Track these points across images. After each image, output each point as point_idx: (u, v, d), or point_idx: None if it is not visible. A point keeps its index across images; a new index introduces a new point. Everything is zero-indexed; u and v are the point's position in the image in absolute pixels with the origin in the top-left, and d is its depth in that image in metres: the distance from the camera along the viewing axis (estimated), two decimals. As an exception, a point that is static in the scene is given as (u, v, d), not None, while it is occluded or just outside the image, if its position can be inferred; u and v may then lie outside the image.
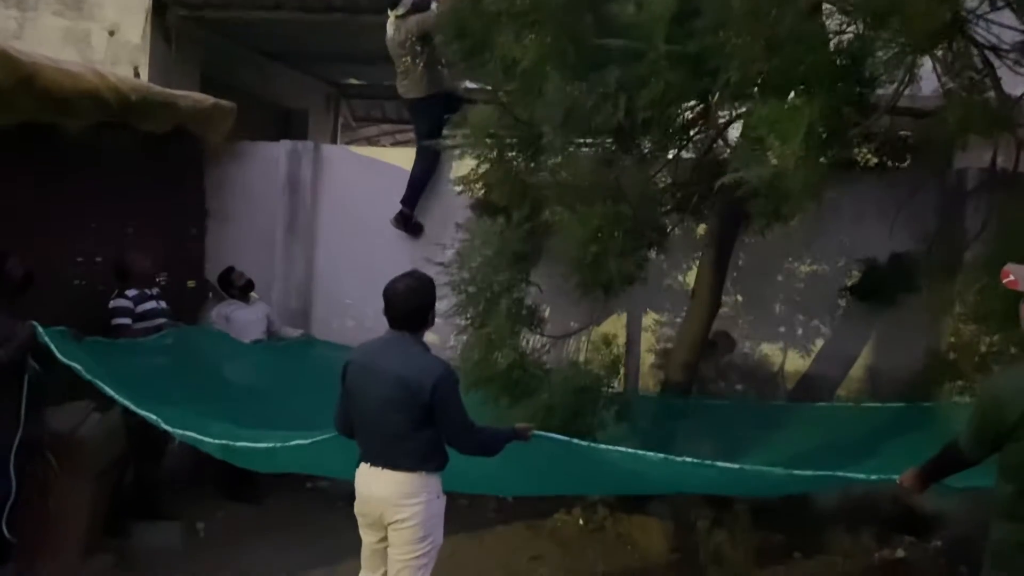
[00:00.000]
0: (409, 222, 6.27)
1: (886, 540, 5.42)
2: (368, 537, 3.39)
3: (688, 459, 3.62)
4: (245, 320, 5.80)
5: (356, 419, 3.32)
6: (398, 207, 6.26)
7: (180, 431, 3.93)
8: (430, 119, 6.16)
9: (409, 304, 3.25)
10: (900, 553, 5.34)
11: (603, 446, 3.76)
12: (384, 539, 3.33)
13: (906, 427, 4.76)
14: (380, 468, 3.24)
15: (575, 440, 3.69)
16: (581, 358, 5.92)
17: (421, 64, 6.13)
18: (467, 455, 3.31)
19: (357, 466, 3.34)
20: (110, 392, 3.99)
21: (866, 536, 5.41)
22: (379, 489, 3.25)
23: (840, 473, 3.80)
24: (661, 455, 3.66)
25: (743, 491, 4.66)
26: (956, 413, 4.61)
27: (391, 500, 3.23)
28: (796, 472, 3.75)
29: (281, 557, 4.86)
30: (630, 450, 3.73)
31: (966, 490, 3.65)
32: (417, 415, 3.17)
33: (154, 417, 3.95)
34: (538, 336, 5.14)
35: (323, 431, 3.56)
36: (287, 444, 3.76)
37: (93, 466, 4.55)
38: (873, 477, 3.59)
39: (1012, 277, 2.75)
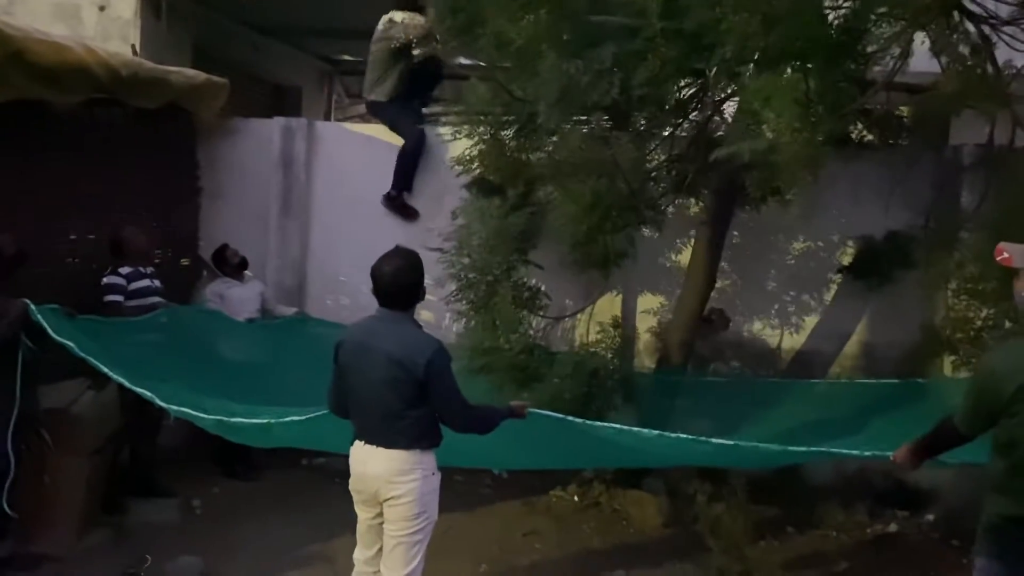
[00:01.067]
0: (399, 204, 6.25)
1: (879, 515, 5.48)
2: (363, 514, 3.40)
3: (682, 435, 3.63)
4: (239, 298, 5.78)
5: (350, 398, 3.31)
6: (390, 181, 6.25)
7: (175, 407, 3.93)
8: (391, 117, 6.32)
9: (398, 282, 3.23)
10: (893, 527, 5.39)
11: (598, 423, 3.77)
12: (379, 515, 3.34)
13: (899, 403, 4.78)
14: (375, 446, 3.24)
15: (569, 418, 3.70)
16: (577, 339, 5.95)
17: (398, 70, 6.25)
18: (461, 433, 3.31)
19: (351, 444, 3.34)
20: (104, 369, 3.99)
21: (859, 511, 5.46)
22: (374, 467, 3.25)
23: (833, 449, 3.84)
24: (656, 432, 3.67)
25: (737, 464, 4.69)
26: (949, 388, 4.65)
27: (386, 477, 3.23)
28: (790, 448, 3.77)
29: (277, 533, 4.88)
30: (625, 427, 3.74)
31: (960, 465, 3.70)
32: (411, 393, 3.16)
33: (148, 394, 3.95)
34: (539, 318, 5.15)
35: (317, 407, 3.56)
36: (282, 420, 3.76)
37: (89, 443, 4.56)
38: (867, 453, 3.61)
39: (1006, 254, 2.76)
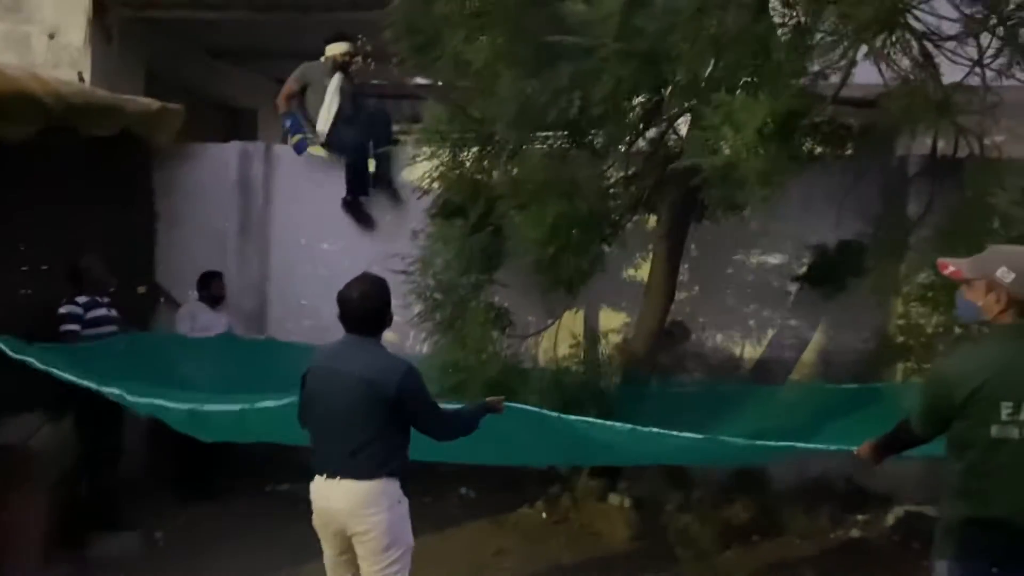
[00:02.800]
0: (356, 208, 6.25)
1: (841, 520, 5.57)
2: (330, 550, 3.34)
3: (655, 429, 3.72)
4: (208, 322, 5.81)
5: (314, 427, 3.26)
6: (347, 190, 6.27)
7: (146, 400, 3.88)
8: (336, 140, 6.31)
9: (366, 308, 3.21)
10: (855, 532, 5.49)
11: (573, 417, 3.84)
12: (347, 551, 3.28)
13: (857, 406, 4.89)
14: (337, 479, 3.18)
15: (544, 411, 3.77)
16: (542, 355, 5.99)
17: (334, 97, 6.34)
18: (445, 441, 3.31)
19: (312, 478, 3.28)
20: (68, 376, 3.94)
21: (822, 516, 5.55)
22: (336, 501, 3.18)
23: (799, 444, 3.92)
24: (629, 426, 3.77)
25: (705, 461, 4.78)
26: (904, 393, 4.78)
27: (351, 511, 3.17)
28: (758, 443, 3.85)
29: (243, 561, 4.82)
30: (599, 421, 3.80)
31: (923, 460, 3.79)
32: (379, 416, 3.13)
33: (117, 391, 3.91)
34: (506, 336, 5.18)
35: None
36: (255, 406, 3.73)
37: (48, 477, 4.47)
38: (832, 447, 3.70)
39: (952, 268, 2.80)
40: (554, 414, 3.79)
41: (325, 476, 3.21)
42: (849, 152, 5.96)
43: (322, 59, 6.41)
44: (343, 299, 3.22)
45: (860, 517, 5.60)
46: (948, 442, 2.73)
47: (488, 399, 3.59)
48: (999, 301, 2.65)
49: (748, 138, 3.29)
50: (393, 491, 3.21)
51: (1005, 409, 2.55)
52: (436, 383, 4.44)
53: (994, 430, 2.57)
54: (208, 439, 4.20)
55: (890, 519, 5.54)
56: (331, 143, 6.31)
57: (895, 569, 4.94)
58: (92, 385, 3.94)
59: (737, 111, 3.34)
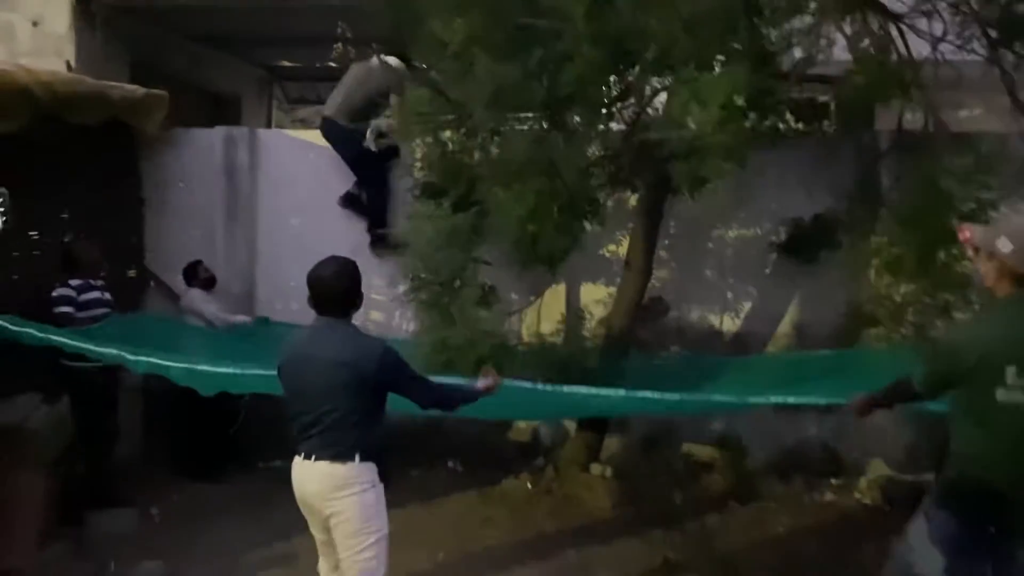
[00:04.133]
0: (381, 240, 6.28)
1: (816, 486, 5.76)
2: (315, 530, 3.41)
3: (648, 394, 3.93)
4: (214, 310, 5.99)
5: (292, 412, 3.29)
6: (337, 188, 6.35)
7: (145, 359, 4.01)
8: (345, 143, 6.24)
9: (336, 290, 3.22)
10: (828, 496, 5.68)
11: (571, 388, 4.02)
12: (327, 532, 3.32)
13: (831, 370, 5.05)
14: (312, 460, 3.21)
15: (539, 386, 3.95)
16: (525, 331, 6.13)
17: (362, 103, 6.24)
18: (426, 409, 3.38)
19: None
20: (66, 341, 4.07)
21: (797, 483, 5.74)
22: (311, 483, 3.23)
23: (791, 399, 4.02)
24: (623, 391, 3.98)
25: (690, 412, 5.09)
26: (875, 356, 4.95)
27: (323, 494, 3.21)
28: (750, 399, 4.02)
29: (237, 535, 4.97)
30: (594, 389, 4.00)
31: (897, 426, 3.95)
32: (356, 398, 3.15)
33: (115, 352, 4.03)
34: (491, 314, 5.29)
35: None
36: (247, 372, 3.91)
37: (43, 457, 4.59)
38: (823, 401, 3.85)
39: (968, 233, 2.88)
40: (550, 388, 3.95)
41: (302, 456, 3.25)
42: (825, 128, 6.11)
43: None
44: (312, 280, 3.23)
45: (834, 482, 5.79)
46: (955, 406, 2.84)
47: (481, 383, 3.62)
48: (997, 271, 2.77)
49: (713, 114, 3.42)
50: (367, 475, 3.22)
51: (1010, 374, 2.66)
52: (425, 361, 4.58)
53: (1000, 394, 2.67)
54: (208, 392, 4.27)
55: (863, 484, 5.73)
56: (328, 130, 6.34)
57: (866, 530, 5.13)
58: (91, 347, 4.07)
59: (702, 87, 3.47)
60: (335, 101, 6.33)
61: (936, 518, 2.87)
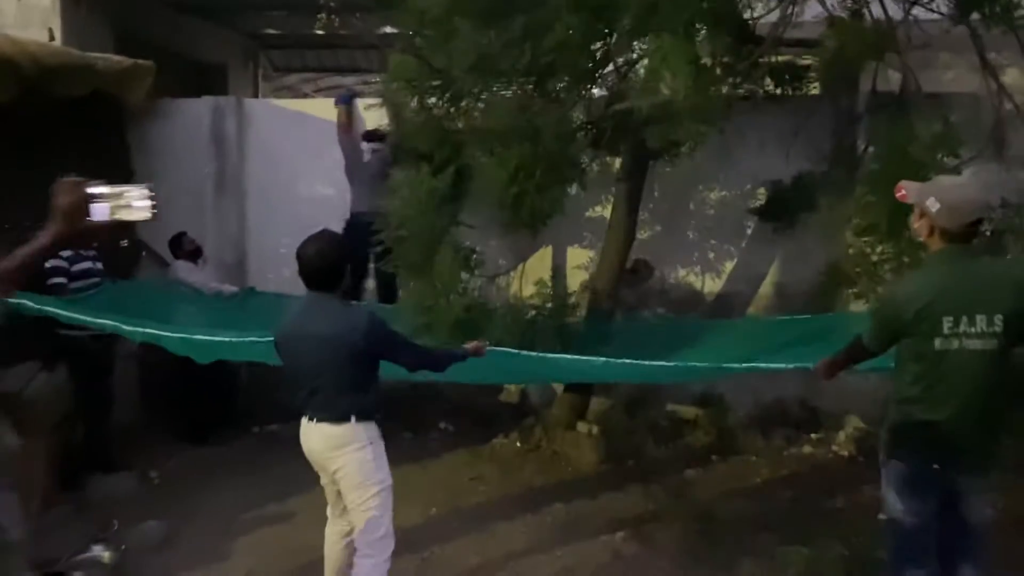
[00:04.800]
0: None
1: (795, 439, 5.95)
2: (323, 479, 3.62)
3: (627, 360, 4.07)
4: (202, 280, 6.08)
5: (291, 382, 3.48)
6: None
7: (141, 330, 4.13)
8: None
9: (322, 264, 3.33)
10: (807, 449, 5.87)
11: (550, 355, 4.18)
12: (333, 482, 3.54)
13: (809, 334, 5.20)
14: (315, 422, 3.42)
15: (523, 352, 4.10)
16: (511, 295, 6.25)
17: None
18: (413, 371, 3.55)
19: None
20: (64, 312, 4.18)
21: (777, 437, 5.92)
22: (313, 442, 3.45)
23: (762, 364, 4.25)
24: (603, 359, 4.13)
25: (671, 379, 5.28)
26: (853, 320, 5.10)
27: (324, 452, 3.43)
28: (724, 365, 4.19)
29: (234, 496, 5.12)
30: (575, 356, 4.13)
31: (870, 378, 4.13)
32: (348, 367, 3.32)
33: (112, 323, 4.14)
34: (475, 277, 5.41)
35: None
36: (243, 339, 4.04)
37: (44, 424, 4.71)
38: (790, 366, 4.03)
39: (904, 191, 3.08)
40: (534, 354, 4.09)
41: (306, 419, 3.47)
42: (806, 91, 6.19)
43: None
44: (300, 256, 3.35)
45: (812, 436, 5.97)
46: (898, 356, 3.05)
47: (469, 345, 3.81)
48: (927, 227, 2.97)
49: (683, 78, 3.52)
50: (365, 433, 3.42)
51: (947, 323, 2.87)
52: (406, 325, 4.70)
53: (937, 343, 2.88)
54: (203, 360, 4.42)
55: (840, 436, 5.92)
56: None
57: (843, 480, 5.33)
58: (87, 317, 4.18)
59: (671, 53, 3.57)
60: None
61: (887, 465, 3.09)
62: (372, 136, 6.21)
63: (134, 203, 2.02)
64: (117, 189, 2.01)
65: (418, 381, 4.54)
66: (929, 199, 2.94)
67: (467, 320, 5.00)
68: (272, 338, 3.58)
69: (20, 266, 2.04)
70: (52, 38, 6.29)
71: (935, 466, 2.96)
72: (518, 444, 5.88)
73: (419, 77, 5.26)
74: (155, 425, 6.05)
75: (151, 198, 2.02)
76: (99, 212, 2.01)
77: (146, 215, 2.03)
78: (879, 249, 5.28)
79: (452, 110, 5.39)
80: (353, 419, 3.39)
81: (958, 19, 4.30)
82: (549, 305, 5.47)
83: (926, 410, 2.95)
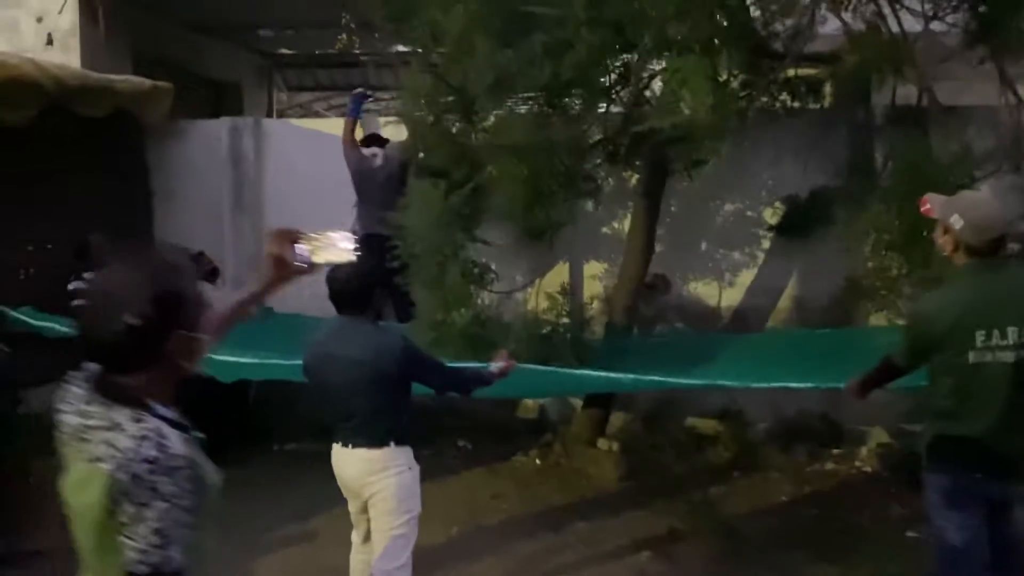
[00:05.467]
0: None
1: (817, 455, 5.90)
2: (351, 505, 3.56)
3: (655, 377, 4.13)
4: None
5: (323, 405, 3.46)
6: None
7: None
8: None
9: (352, 288, 3.33)
10: (829, 466, 5.82)
11: (579, 371, 4.22)
12: (365, 511, 3.48)
13: (831, 349, 5.18)
14: (350, 448, 3.37)
15: (552, 368, 4.11)
16: (529, 309, 6.25)
17: None
18: (441, 394, 3.57)
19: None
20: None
21: (798, 453, 5.88)
22: (349, 468, 3.39)
23: (792, 384, 4.19)
24: (631, 376, 4.16)
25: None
26: (876, 334, 5.08)
27: (361, 478, 3.37)
28: (752, 384, 4.16)
29: (256, 515, 5.07)
30: (603, 373, 4.13)
31: (894, 395, 4.10)
32: (382, 391, 3.30)
33: None
34: (489, 292, 5.41)
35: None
36: (268, 361, 4.06)
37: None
38: (821, 386, 4.01)
39: (928, 205, 3.09)
40: (563, 370, 4.10)
41: (340, 444, 3.42)
42: (821, 105, 6.19)
43: None
44: (330, 280, 3.34)
45: (835, 451, 5.93)
46: (931, 372, 3.04)
47: (494, 365, 3.71)
48: (951, 243, 2.97)
49: (703, 98, 3.54)
50: (403, 458, 3.38)
51: (979, 337, 2.87)
52: (418, 340, 4.69)
53: (971, 356, 2.88)
54: (227, 379, 4.44)
55: (863, 452, 5.88)
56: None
57: (869, 496, 5.28)
58: None
59: (691, 72, 3.59)
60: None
61: (929, 480, 3.07)
62: (372, 141, 6.22)
63: (337, 244, 2.04)
64: (320, 233, 2.03)
65: (435, 397, 4.55)
66: (953, 216, 2.94)
67: (477, 335, 5.01)
68: (298, 362, 3.58)
69: (230, 316, 2.09)
70: (50, 41, 6.33)
71: (977, 475, 2.96)
72: (537, 461, 5.85)
73: (435, 94, 5.30)
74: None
75: (353, 239, 2.04)
76: (303, 256, 2.02)
77: (349, 257, 2.05)
78: (898, 263, 5.29)
79: (468, 126, 5.42)
80: (392, 443, 3.34)
81: (978, 39, 4.29)
82: (565, 320, 5.48)
83: (963, 423, 2.95)
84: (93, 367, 1.64)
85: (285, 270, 2.03)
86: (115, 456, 1.51)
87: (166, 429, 1.58)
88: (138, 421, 1.55)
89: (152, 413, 1.59)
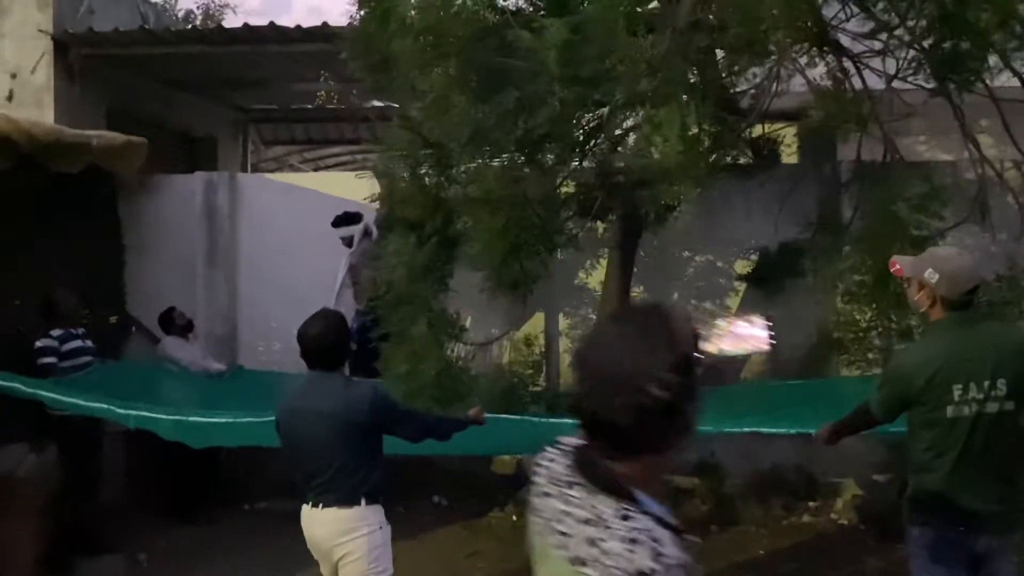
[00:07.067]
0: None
1: (793, 508, 5.89)
2: (322, 568, 3.49)
3: None
4: (191, 355, 5.99)
5: (295, 462, 3.41)
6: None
7: (134, 413, 4.06)
8: None
9: (323, 345, 3.34)
10: (806, 518, 5.81)
11: (552, 419, 4.14)
12: (335, 572, 3.40)
13: (804, 398, 5.21)
14: (320, 508, 3.32)
15: (525, 417, 4.09)
16: (505, 361, 6.24)
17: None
18: (417, 442, 3.48)
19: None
20: (55, 396, 4.10)
21: (775, 506, 5.87)
22: (319, 528, 3.34)
23: (764, 429, 4.22)
24: None
25: None
26: (849, 383, 5.12)
27: (331, 539, 3.31)
28: (725, 429, 4.15)
29: (227, 577, 4.99)
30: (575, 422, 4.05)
31: (868, 447, 4.08)
32: (353, 445, 3.27)
33: (104, 407, 4.07)
34: (462, 344, 5.39)
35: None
36: (239, 420, 3.95)
37: (32, 504, 4.61)
38: (792, 431, 4.01)
39: (898, 266, 3.15)
40: (535, 418, 4.05)
41: (310, 504, 3.36)
42: (788, 160, 6.33)
43: None
44: (302, 337, 3.35)
45: (811, 504, 5.92)
46: (910, 425, 3.07)
47: (470, 412, 3.76)
48: (928, 298, 3.02)
49: (672, 143, 3.63)
50: (374, 517, 3.34)
51: (956, 391, 2.91)
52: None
53: (950, 410, 2.91)
54: (197, 446, 4.36)
55: (839, 504, 5.88)
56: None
57: (844, 549, 5.27)
58: (79, 402, 4.11)
59: (662, 119, 3.68)
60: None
61: (912, 533, 3.07)
62: (343, 220, 6.23)
63: (742, 332, 1.95)
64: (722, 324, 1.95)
65: (409, 453, 4.48)
66: (927, 270, 3.00)
67: (444, 386, 4.96)
68: (268, 418, 3.54)
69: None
70: (10, 97, 6.31)
71: (960, 528, 2.96)
72: (515, 517, 5.78)
73: (412, 148, 5.35)
74: (143, 503, 5.91)
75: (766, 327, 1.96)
76: (709, 346, 1.82)
77: (763, 346, 1.96)
78: (867, 315, 5.37)
79: (443, 179, 5.46)
80: (363, 501, 3.30)
81: (937, 89, 4.43)
82: (530, 371, 5.46)
83: (944, 476, 2.95)
84: (573, 441, 1.41)
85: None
86: (602, 563, 1.27)
87: (659, 531, 1.30)
88: (626, 519, 1.29)
89: (640, 509, 1.32)
